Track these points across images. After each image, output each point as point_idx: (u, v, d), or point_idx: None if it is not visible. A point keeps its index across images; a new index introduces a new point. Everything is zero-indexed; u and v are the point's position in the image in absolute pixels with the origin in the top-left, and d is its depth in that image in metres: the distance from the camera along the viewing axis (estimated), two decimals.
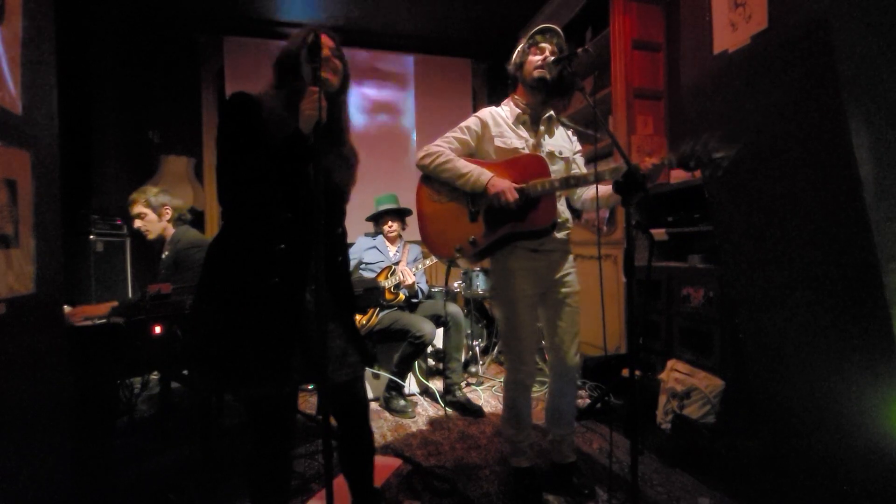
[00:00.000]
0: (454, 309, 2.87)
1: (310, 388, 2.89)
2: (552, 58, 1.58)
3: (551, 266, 1.69)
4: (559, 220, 1.66)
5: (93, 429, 1.65)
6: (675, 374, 2.21)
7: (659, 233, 2.51)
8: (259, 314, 1.14)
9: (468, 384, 3.10)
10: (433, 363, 3.19)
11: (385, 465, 1.98)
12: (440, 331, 2.88)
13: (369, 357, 1.37)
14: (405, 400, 2.69)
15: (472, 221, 1.62)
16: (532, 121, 1.70)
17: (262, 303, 1.15)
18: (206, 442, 1.90)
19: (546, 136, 1.70)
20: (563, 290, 1.70)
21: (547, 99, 1.69)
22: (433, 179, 1.67)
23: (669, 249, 2.54)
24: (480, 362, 3.44)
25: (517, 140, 1.66)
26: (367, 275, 2.87)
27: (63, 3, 1.48)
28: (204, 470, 1.90)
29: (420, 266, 2.89)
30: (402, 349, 2.65)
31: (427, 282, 3.21)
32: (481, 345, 3.59)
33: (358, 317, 2.70)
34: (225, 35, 4.10)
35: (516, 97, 1.71)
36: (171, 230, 2.32)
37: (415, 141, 4.62)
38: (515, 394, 1.70)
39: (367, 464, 1.41)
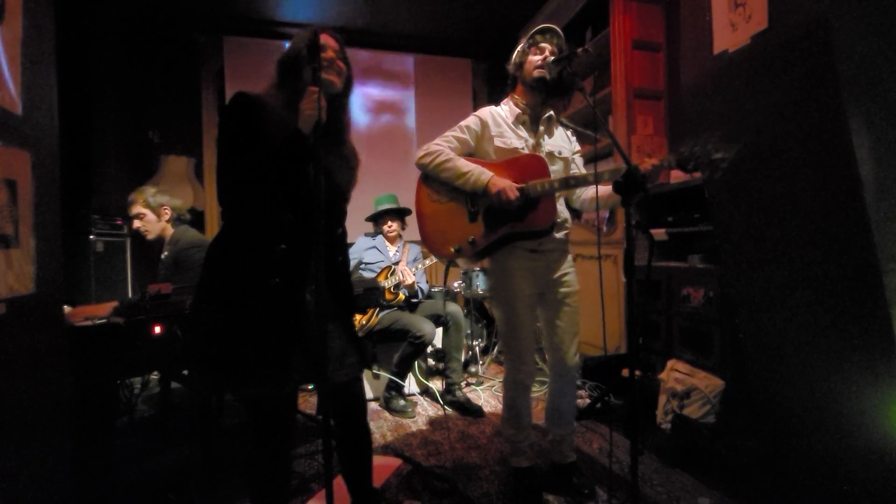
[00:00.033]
0: (454, 308, 2.87)
1: (309, 388, 2.90)
2: (552, 58, 1.58)
3: (550, 266, 1.69)
4: (558, 220, 1.66)
5: (93, 429, 1.65)
6: (675, 374, 2.21)
7: (659, 233, 2.51)
8: (259, 314, 1.14)
9: (468, 384, 3.10)
10: (433, 363, 3.19)
11: (385, 465, 1.98)
12: (440, 330, 2.88)
13: (368, 358, 1.37)
14: (405, 400, 2.69)
15: (472, 221, 1.62)
16: (532, 121, 1.70)
17: (263, 303, 1.15)
18: (206, 442, 1.90)
19: (546, 137, 1.70)
20: (562, 289, 1.70)
21: (547, 99, 1.69)
22: (432, 179, 1.67)
23: (669, 249, 2.54)
24: (480, 362, 3.44)
25: (517, 140, 1.66)
26: (367, 275, 2.87)
27: (63, 2, 1.48)
28: (204, 470, 1.90)
29: (420, 266, 2.90)
30: (402, 349, 2.65)
31: (427, 282, 3.21)
32: (481, 345, 3.59)
33: (358, 317, 2.70)
34: (225, 35, 4.09)
35: (516, 97, 1.71)
36: (170, 230, 2.32)
37: (415, 141, 4.62)
38: (515, 394, 1.70)
39: (365, 464, 1.41)
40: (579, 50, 1.54)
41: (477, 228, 1.61)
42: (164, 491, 1.79)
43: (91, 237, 3.13)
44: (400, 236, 3.06)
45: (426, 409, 2.71)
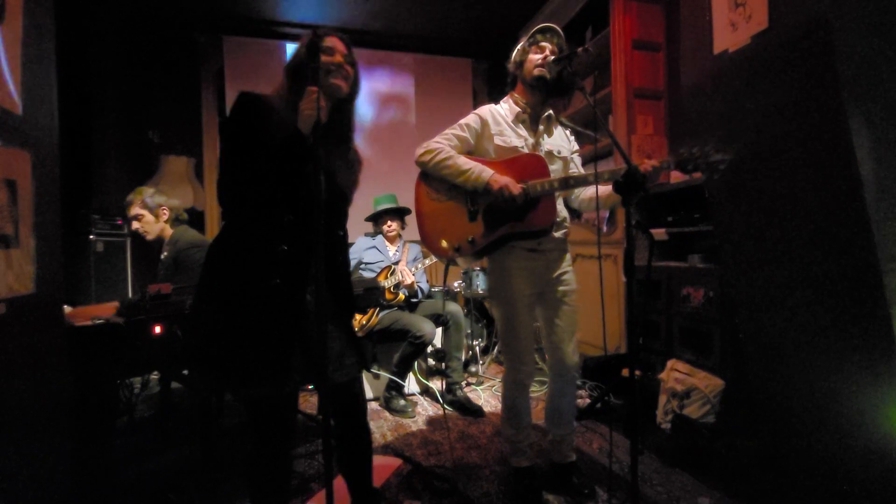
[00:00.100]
0: (454, 308, 2.87)
1: (309, 388, 2.90)
2: (552, 57, 1.58)
3: (549, 265, 1.69)
4: (557, 220, 1.66)
5: (93, 429, 1.65)
6: (675, 373, 2.21)
7: (659, 233, 2.51)
8: (259, 315, 1.14)
9: (468, 384, 3.10)
10: (433, 363, 3.19)
11: (385, 465, 1.98)
12: (440, 330, 2.88)
13: (367, 359, 1.37)
14: (405, 400, 2.69)
15: (472, 221, 1.62)
16: (531, 120, 1.70)
17: (263, 303, 1.15)
18: (206, 442, 1.90)
19: (545, 136, 1.70)
20: (561, 288, 1.70)
21: (546, 98, 1.69)
22: (431, 177, 1.67)
23: (669, 249, 2.54)
24: (480, 362, 3.44)
25: (516, 139, 1.66)
26: (367, 275, 2.87)
27: (63, 2, 1.48)
28: (204, 470, 1.90)
29: (420, 265, 2.89)
30: (402, 349, 2.65)
31: (427, 281, 3.21)
32: (481, 344, 3.59)
33: (358, 317, 2.70)
34: (225, 35, 4.09)
35: (516, 95, 1.71)
36: (168, 231, 2.32)
37: (415, 140, 4.61)
38: (515, 393, 1.70)
39: (365, 463, 1.41)
40: (579, 49, 1.54)
41: (476, 227, 1.61)
42: (164, 491, 1.79)
43: (91, 237, 3.13)
44: (399, 236, 3.06)
45: (426, 409, 2.71)
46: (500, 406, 1.96)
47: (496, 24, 4.21)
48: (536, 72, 1.60)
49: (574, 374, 1.74)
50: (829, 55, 1.29)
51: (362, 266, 2.91)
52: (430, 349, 2.99)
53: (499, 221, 1.59)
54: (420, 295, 2.96)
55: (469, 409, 2.60)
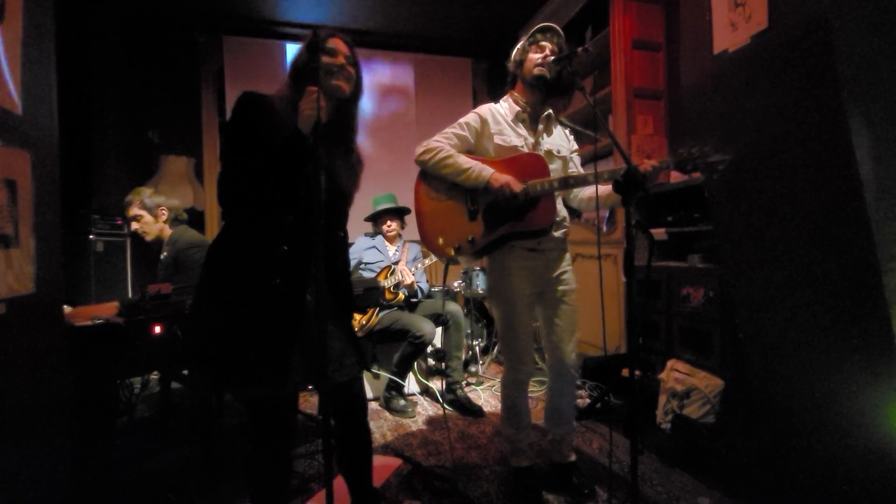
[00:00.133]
0: (454, 307, 2.87)
1: (309, 388, 2.90)
2: (552, 56, 1.58)
3: (548, 265, 1.69)
4: (557, 219, 1.66)
5: (93, 429, 1.66)
6: (675, 373, 2.21)
7: (659, 232, 2.51)
8: (259, 315, 1.14)
9: (468, 384, 3.10)
10: (433, 363, 3.19)
11: (385, 465, 1.98)
12: (440, 330, 2.88)
13: (367, 359, 1.37)
14: (405, 400, 2.69)
15: (471, 220, 1.62)
16: (531, 119, 1.70)
17: (263, 303, 1.15)
18: (206, 442, 1.90)
19: (545, 135, 1.70)
20: (561, 287, 1.70)
21: (546, 98, 1.69)
22: (431, 176, 1.67)
23: (669, 249, 2.54)
24: (480, 362, 3.44)
25: (516, 138, 1.66)
26: (367, 275, 2.87)
27: (63, 2, 1.48)
28: (204, 470, 1.90)
29: (420, 265, 2.89)
30: (402, 349, 2.65)
31: (427, 281, 3.21)
32: (481, 344, 3.59)
33: (358, 317, 2.70)
34: (225, 35, 4.09)
35: (516, 94, 1.71)
36: (168, 231, 2.33)
37: (415, 140, 4.62)
38: (515, 393, 1.70)
39: (365, 463, 1.41)
40: (579, 49, 1.53)
41: (476, 227, 1.61)
42: (164, 491, 1.79)
43: (91, 237, 3.13)
44: (399, 236, 3.06)
45: (426, 409, 2.71)
46: (500, 406, 1.96)
47: (496, 24, 4.21)
48: (536, 71, 1.60)
49: (574, 373, 1.74)
50: (828, 55, 1.28)
51: (362, 266, 2.91)
52: (430, 349, 3.00)
53: (499, 221, 1.59)
54: (420, 295, 2.96)
55: (469, 409, 2.60)
